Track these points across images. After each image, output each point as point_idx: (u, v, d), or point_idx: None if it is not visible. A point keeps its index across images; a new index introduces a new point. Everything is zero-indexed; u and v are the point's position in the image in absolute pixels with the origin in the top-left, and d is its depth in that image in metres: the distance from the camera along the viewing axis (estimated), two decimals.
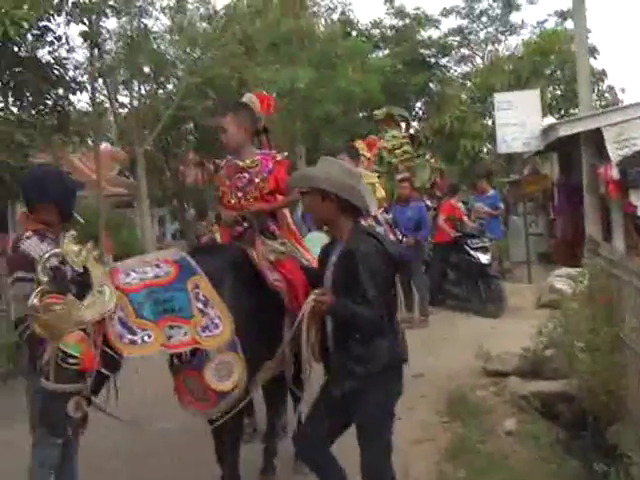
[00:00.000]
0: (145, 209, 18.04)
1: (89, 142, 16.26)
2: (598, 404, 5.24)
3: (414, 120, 29.81)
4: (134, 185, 20.19)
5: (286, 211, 4.78)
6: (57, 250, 3.31)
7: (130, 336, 3.28)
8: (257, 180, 4.53)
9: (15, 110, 11.58)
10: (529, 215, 15.79)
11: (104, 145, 23.10)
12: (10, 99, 11.59)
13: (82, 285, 3.22)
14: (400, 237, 9.72)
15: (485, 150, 22.44)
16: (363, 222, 6.84)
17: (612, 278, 5.59)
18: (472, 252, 11.04)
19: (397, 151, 13.73)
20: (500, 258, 14.14)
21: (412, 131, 22.02)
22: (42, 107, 12.03)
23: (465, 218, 11.89)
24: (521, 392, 6.23)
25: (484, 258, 11.00)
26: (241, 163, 4.59)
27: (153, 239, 19.36)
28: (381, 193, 7.90)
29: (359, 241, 3.63)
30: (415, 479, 4.91)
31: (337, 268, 3.67)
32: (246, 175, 4.57)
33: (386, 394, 3.67)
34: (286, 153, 4.87)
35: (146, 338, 3.31)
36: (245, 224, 4.52)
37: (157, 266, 3.59)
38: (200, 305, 3.56)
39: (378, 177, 10.72)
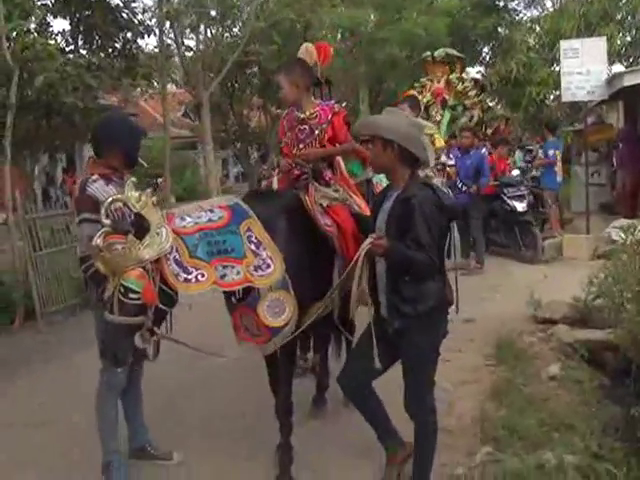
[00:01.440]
0: (209, 151, 18.34)
1: (156, 85, 16.57)
2: None
3: (481, 65, 29.36)
4: (198, 127, 20.49)
5: (340, 160, 4.94)
6: (119, 195, 3.58)
7: (185, 275, 3.55)
8: (316, 132, 4.70)
9: (85, 53, 11.89)
10: (592, 165, 15.53)
11: (170, 88, 23.43)
12: (79, 42, 11.92)
13: (141, 227, 3.48)
14: (459, 184, 9.85)
15: (552, 98, 21.97)
16: (421, 172, 7.05)
17: None
18: (508, 200, 11.42)
19: (470, 93, 13.66)
20: (560, 208, 14.11)
21: (477, 76, 21.77)
22: (111, 50, 12.34)
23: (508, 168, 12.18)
24: (568, 339, 6.36)
25: (520, 206, 11.38)
26: (301, 115, 4.75)
27: (216, 180, 19.69)
28: (440, 143, 7.98)
29: (415, 189, 3.80)
30: (459, 415, 5.17)
31: (392, 214, 3.84)
32: (306, 127, 4.75)
33: (433, 333, 3.88)
34: (344, 103, 5.00)
35: (200, 277, 3.57)
36: (300, 170, 4.71)
37: (211, 211, 3.83)
38: (252, 246, 3.80)
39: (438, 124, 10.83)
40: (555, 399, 5.24)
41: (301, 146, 4.77)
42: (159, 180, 18.65)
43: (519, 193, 11.56)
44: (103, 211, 3.49)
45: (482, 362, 6.37)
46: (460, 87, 13.64)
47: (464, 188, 10.01)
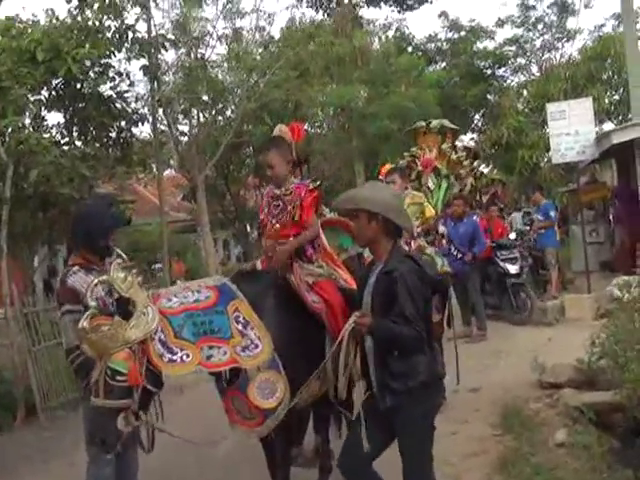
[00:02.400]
0: (207, 233, 18.42)
1: (153, 170, 16.76)
2: None
3: (473, 132, 29.82)
4: (195, 210, 20.67)
5: (322, 235, 4.94)
6: (104, 277, 3.59)
7: (169, 355, 3.53)
8: (289, 207, 4.73)
9: (79, 144, 12.04)
10: (589, 224, 15.61)
11: (167, 172, 23.71)
12: (74, 134, 12.09)
13: (126, 308, 3.49)
14: (454, 252, 9.87)
15: (545, 160, 22.23)
16: (413, 243, 7.05)
17: None
18: (501, 263, 11.67)
19: (465, 163, 13.78)
20: (561, 268, 14.12)
21: (471, 143, 22.06)
22: (106, 140, 12.48)
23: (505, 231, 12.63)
24: (574, 403, 6.25)
25: (512, 268, 11.68)
26: (277, 191, 4.81)
27: (216, 262, 19.72)
28: (430, 212, 8.01)
29: (397, 262, 3.79)
30: None
31: (376, 288, 3.82)
32: (280, 203, 4.79)
33: (425, 408, 3.80)
34: (319, 182, 5.02)
35: (185, 357, 3.55)
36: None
37: (197, 292, 3.83)
38: (240, 327, 3.78)
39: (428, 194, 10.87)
40: (563, 467, 5.12)
41: (274, 221, 4.79)
42: (157, 266, 18.73)
43: (512, 256, 11.81)
44: (88, 294, 3.51)
45: (489, 432, 6.26)
46: (454, 157, 13.77)
47: (459, 255, 10.01)
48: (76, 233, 4.31)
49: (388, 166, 11.26)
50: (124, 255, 4.30)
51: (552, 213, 13.29)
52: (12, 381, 8.79)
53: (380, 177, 9.98)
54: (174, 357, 3.53)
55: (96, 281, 3.59)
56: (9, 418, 8.54)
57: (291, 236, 4.75)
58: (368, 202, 3.86)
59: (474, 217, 11.58)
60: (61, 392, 8.97)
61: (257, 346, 3.77)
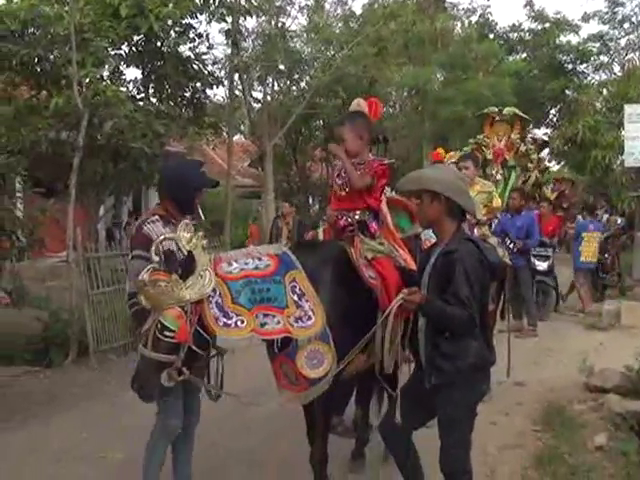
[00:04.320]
0: (270, 201, 18.60)
1: (223, 134, 16.95)
2: None
3: (547, 127, 29.24)
4: (261, 177, 20.84)
5: (387, 213, 4.95)
6: (171, 235, 3.69)
7: (225, 319, 3.61)
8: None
9: (154, 101, 12.26)
10: None
11: (236, 137, 23.92)
12: (150, 90, 12.29)
13: (187, 268, 3.57)
14: (510, 245, 9.79)
15: (618, 162, 21.71)
16: (476, 231, 7.05)
17: None
18: (532, 259, 11.53)
19: (532, 156, 13.66)
20: (620, 275, 13.90)
21: (540, 135, 21.69)
22: (180, 99, 12.67)
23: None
24: (618, 410, 6.17)
25: (541, 265, 11.90)
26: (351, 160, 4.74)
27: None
28: (498, 202, 7.95)
29: (458, 243, 3.81)
30: None
31: (434, 268, 3.86)
32: None
33: (470, 392, 3.84)
34: (393, 160, 4.99)
35: (239, 323, 3.63)
36: (346, 221, 4.72)
37: (258, 259, 3.89)
38: (295, 297, 3.83)
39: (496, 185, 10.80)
40: (600, 471, 5.09)
41: (339, 182, 4.76)
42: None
43: (544, 253, 11.93)
44: (153, 248, 3.61)
45: (529, 427, 6.25)
46: (523, 149, 13.64)
47: (514, 249, 9.91)
48: (166, 185, 4.36)
49: (441, 150, 11.22)
50: (203, 216, 4.37)
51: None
52: (68, 321, 9.07)
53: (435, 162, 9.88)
54: (229, 322, 3.61)
55: (163, 237, 3.69)
56: (61, 356, 8.83)
57: (357, 207, 4.75)
58: (431, 182, 3.89)
59: (533, 212, 11.50)
60: (114, 337, 9.27)
61: (310, 318, 3.82)
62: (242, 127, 23.03)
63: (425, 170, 4.20)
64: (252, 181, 26.75)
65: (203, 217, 4.30)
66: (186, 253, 3.62)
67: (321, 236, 5.02)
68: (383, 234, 4.82)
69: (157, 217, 4.23)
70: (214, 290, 3.62)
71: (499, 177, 13.27)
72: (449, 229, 3.89)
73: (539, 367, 8.34)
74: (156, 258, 3.57)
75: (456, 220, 3.92)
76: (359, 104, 5.03)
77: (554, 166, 25.57)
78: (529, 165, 13.73)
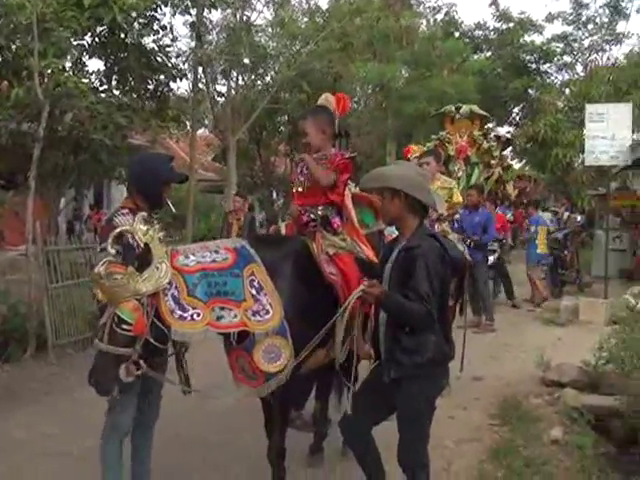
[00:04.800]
0: (232, 195, 18.54)
1: (187, 127, 16.84)
2: None
3: (510, 125, 29.57)
4: (225, 171, 20.77)
5: (351, 209, 4.96)
6: (127, 227, 3.66)
7: (180, 312, 3.59)
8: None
9: (117, 93, 12.14)
10: (614, 230, 15.52)
11: (200, 131, 23.78)
12: (113, 82, 12.18)
13: (143, 260, 3.55)
14: (467, 241, 9.91)
15: (579, 161, 22.02)
16: (437, 226, 7.12)
17: None
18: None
19: (495, 153, 13.81)
20: (579, 272, 14.15)
21: (502, 132, 21.95)
22: (143, 92, 12.56)
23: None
24: (574, 404, 6.29)
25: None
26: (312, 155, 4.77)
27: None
28: (458, 198, 8.02)
29: (420, 239, 3.84)
30: (455, 473, 5.12)
31: (396, 262, 3.88)
32: None
33: (429, 386, 3.87)
34: (355, 153, 5.00)
35: (195, 316, 3.60)
36: (309, 217, 4.73)
37: (216, 252, 3.88)
38: (253, 291, 3.82)
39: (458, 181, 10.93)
40: (555, 463, 5.18)
41: (306, 183, 4.77)
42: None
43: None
44: (110, 240, 3.57)
45: (486, 421, 6.32)
46: (485, 145, 13.80)
47: (471, 245, 10.01)
48: (134, 178, 4.34)
49: (415, 147, 11.28)
50: (173, 208, 4.37)
51: (532, 228, 13.46)
52: (26, 315, 8.95)
53: (408, 157, 9.99)
54: (185, 314, 3.59)
55: (119, 230, 3.66)
56: (20, 350, 8.68)
57: (319, 202, 4.76)
58: (392, 179, 3.91)
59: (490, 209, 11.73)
60: (73, 331, 9.13)
61: (268, 312, 3.82)
62: (206, 121, 22.88)
63: (386, 167, 4.22)
64: (215, 175, 26.65)
65: (174, 210, 4.25)
66: (142, 245, 3.59)
67: (283, 231, 5.02)
68: (346, 230, 4.83)
69: (127, 210, 4.18)
70: (170, 283, 3.60)
71: (461, 173, 13.45)
72: (411, 225, 3.92)
73: (497, 362, 8.44)
74: (112, 251, 3.54)
75: (418, 216, 3.94)
76: (327, 99, 5.02)
77: (516, 164, 25.84)
78: (492, 162, 13.93)
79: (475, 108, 14.34)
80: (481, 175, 13.33)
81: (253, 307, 3.79)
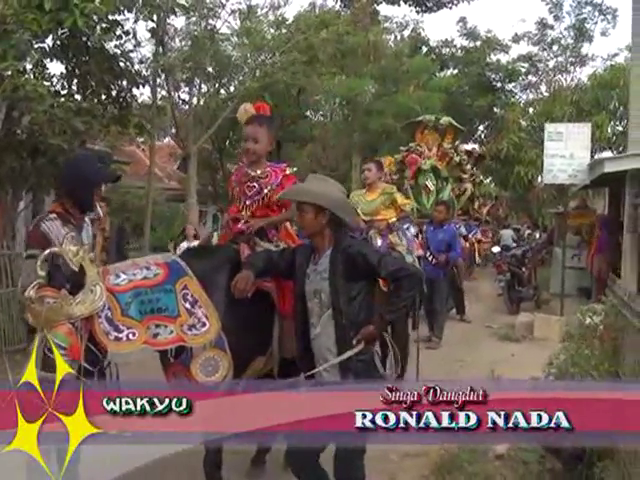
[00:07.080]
0: (193, 204, 18.43)
1: (150, 134, 16.68)
2: None
3: (475, 142, 29.87)
4: (185, 180, 20.65)
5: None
6: (56, 249, 3.56)
7: (116, 333, 3.51)
8: (265, 190, 4.64)
9: (78, 97, 11.98)
10: (573, 248, 15.68)
11: (166, 140, 23.61)
12: (74, 87, 12.03)
13: (77, 282, 3.47)
14: (429, 257, 9.93)
15: (540, 179, 22.30)
16: (390, 237, 7.14)
17: (620, 317, 5.66)
18: None
19: (466, 167, 13.88)
20: (537, 288, 14.25)
21: (474, 147, 22.20)
22: (104, 97, 12.43)
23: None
24: None
25: None
26: (252, 172, 4.69)
27: (203, 234, 19.72)
28: (402, 200, 8.04)
29: (347, 241, 3.99)
30: None
31: (332, 271, 3.85)
32: (255, 185, 4.68)
33: None
34: (295, 168, 4.93)
35: (131, 336, 3.54)
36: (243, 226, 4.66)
37: (147, 268, 3.81)
38: (187, 305, 3.77)
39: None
40: (497, 478, 5.15)
41: (247, 202, 4.70)
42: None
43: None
44: (39, 262, 3.47)
45: None
46: (456, 159, 13.91)
47: (433, 261, 10.02)
48: (62, 181, 4.27)
49: (389, 159, 11.31)
50: (101, 212, 4.27)
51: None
52: None
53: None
54: (120, 335, 3.52)
55: (48, 251, 3.56)
56: None
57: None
58: (318, 197, 3.91)
59: (454, 225, 11.75)
60: (23, 338, 8.92)
61: (204, 325, 3.76)
62: (171, 129, 22.75)
63: (310, 183, 4.13)
64: (179, 184, 26.49)
65: (101, 214, 4.14)
66: (74, 267, 3.50)
67: (216, 240, 4.95)
68: (282, 236, 4.78)
69: (55, 215, 4.09)
70: (103, 304, 3.52)
71: (431, 186, 13.51)
72: (330, 238, 3.95)
73: (449, 377, 8.40)
74: (42, 273, 3.45)
75: (338, 231, 3.97)
76: (245, 109, 4.90)
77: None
78: (463, 176, 14.03)
79: (452, 121, 14.51)
80: (453, 191, 13.45)
81: (189, 321, 3.73)
